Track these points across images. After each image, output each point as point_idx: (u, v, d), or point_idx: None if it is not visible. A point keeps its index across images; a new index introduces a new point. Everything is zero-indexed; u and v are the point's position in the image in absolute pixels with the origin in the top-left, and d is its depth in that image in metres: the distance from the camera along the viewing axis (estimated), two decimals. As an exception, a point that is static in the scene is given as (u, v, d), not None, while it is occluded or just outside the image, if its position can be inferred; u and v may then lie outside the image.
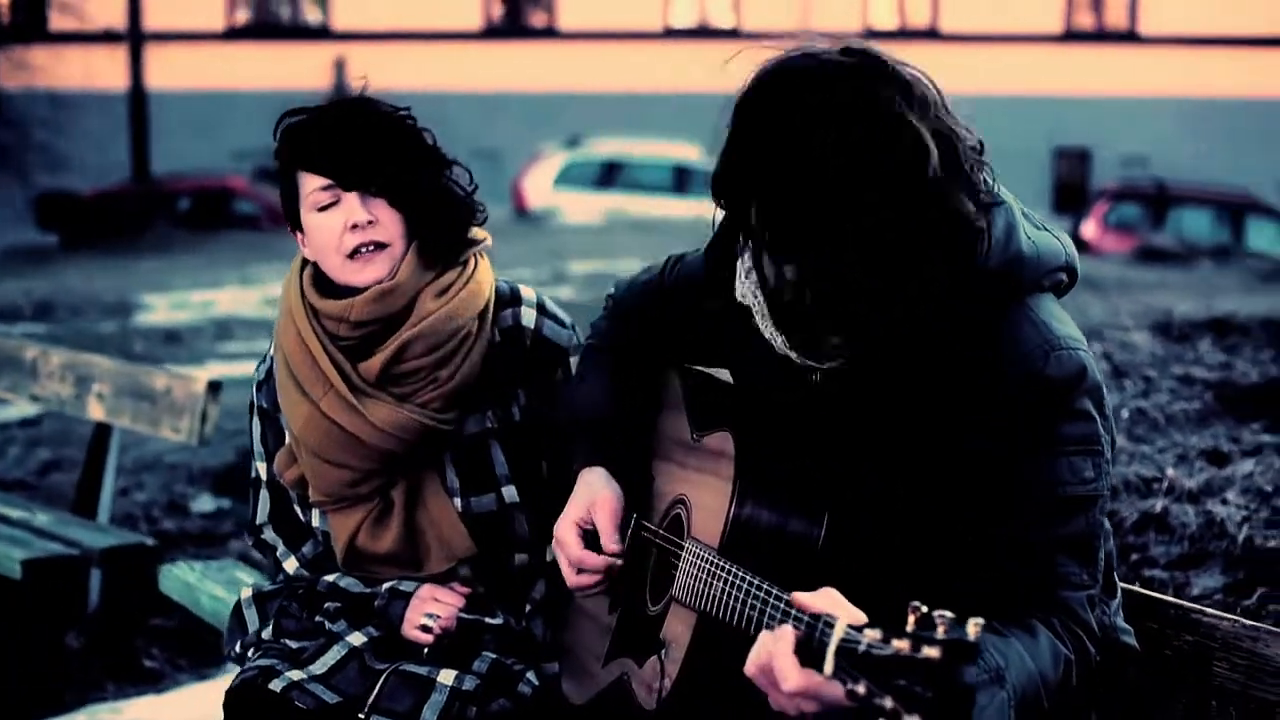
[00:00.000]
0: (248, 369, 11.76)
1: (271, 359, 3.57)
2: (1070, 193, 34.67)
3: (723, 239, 2.86)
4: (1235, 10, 35.10)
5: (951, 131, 2.56)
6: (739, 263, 2.81)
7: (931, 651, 2.05)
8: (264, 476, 3.62)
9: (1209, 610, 3.04)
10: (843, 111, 2.49)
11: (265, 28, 38.20)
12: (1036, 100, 34.69)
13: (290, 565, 3.61)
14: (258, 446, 3.62)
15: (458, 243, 3.46)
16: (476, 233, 3.51)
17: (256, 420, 3.61)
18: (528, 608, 3.50)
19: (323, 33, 37.71)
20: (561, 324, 3.55)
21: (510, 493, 3.47)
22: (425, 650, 3.39)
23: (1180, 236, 25.28)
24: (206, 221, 29.83)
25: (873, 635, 2.14)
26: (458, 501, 3.45)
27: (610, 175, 30.87)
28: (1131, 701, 2.95)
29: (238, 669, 3.45)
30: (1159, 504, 5.37)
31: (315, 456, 3.42)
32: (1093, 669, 2.65)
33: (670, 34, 37.51)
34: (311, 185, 3.37)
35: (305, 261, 3.50)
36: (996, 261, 2.66)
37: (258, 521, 3.66)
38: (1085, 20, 37.23)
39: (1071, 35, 37.00)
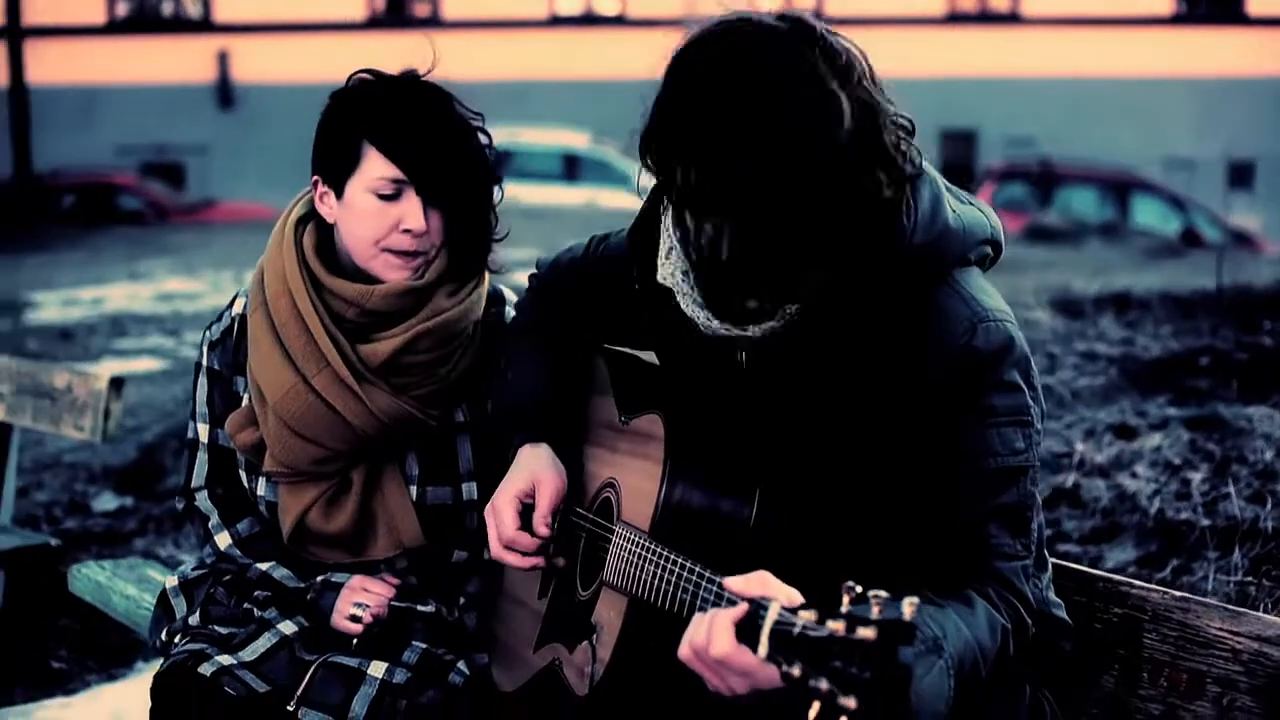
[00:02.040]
0: (144, 365, 11.75)
1: (234, 318, 3.51)
2: (957, 174, 34.66)
3: (645, 221, 2.86)
4: (1117, -10, 35.50)
5: (875, 103, 2.55)
6: (661, 244, 2.79)
7: (867, 632, 2.04)
8: (204, 439, 3.56)
9: (1137, 583, 3.07)
10: (764, 72, 2.49)
11: (147, 21, 37.71)
12: (921, 83, 34.69)
13: (223, 541, 3.55)
14: (201, 408, 3.55)
15: (480, 263, 3.46)
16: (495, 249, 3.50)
17: (204, 380, 3.55)
18: (461, 600, 3.47)
19: (205, 25, 37.28)
20: None
21: (470, 489, 3.46)
22: (354, 640, 3.35)
23: (1068, 215, 25.52)
24: (91, 217, 29.45)
25: (807, 616, 2.13)
26: (414, 490, 3.42)
27: (499, 163, 30.77)
28: (1064, 674, 2.96)
29: (162, 659, 3.39)
30: (1070, 479, 5.42)
31: (286, 428, 3.36)
32: (1029, 638, 2.66)
33: (556, 21, 37.42)
34: (380, 168, 3.28)
35: (302, 220, 3.43)
36: (922, 235, 2.66)
37: (192, 485, 3.60)
38: (968, 2, 37.47)
39: (955, 17, 37.23)
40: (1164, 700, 2.95)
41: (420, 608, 3.41)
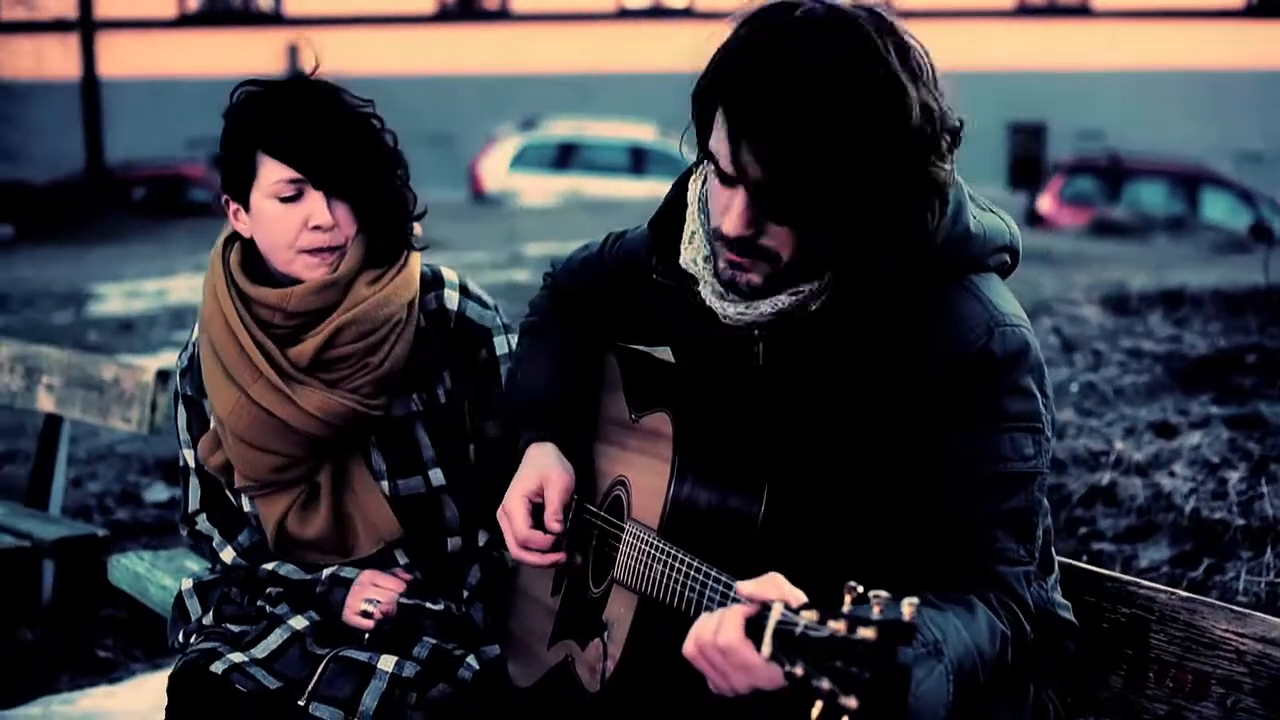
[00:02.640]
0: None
1: (195, 345, 3.57)
2: (1026, 167, 34.73)
3: (668, 210, 2.90)
4: (1187, -17, 35.26)
5: (936, 104, 2.57)
6: (685, 230, 2.82)
7: (867, 632, 2.06)
8: (192, 464, 3.63)
9: (1145, 583, 3.07)
10: (831, 35, 2.50)
11: (217, 14, 38.02)
12: (991, 75, 34.72)
13: (228, 555, 3.62)
14: (184, 434, 3.62)
15: (399, 245, 3.48)
16: (415, 227, 3.51)
17: (182, 408, 3.61)
18: (465, 593, 3.51)
19: (275, 18, 37.55)
20: (484, 305, 3.57)
21: (437, 475, 3.49)
22: (366, 636, 3.39)
23: (1136, 209, 25.36)
24: (161, 209, 29.71)
25: (809, 616, 2.15)
26: (385, 484, 3.46)
27: (566, 157, 30.85)
28: (1071, 674, 2.98)
29: (181, 653, 3.45)
30: (1107, 477, 5.41)
31: (241, 442, 3.42)
32: (1027, 644, 2.67)
33: (624, 14, 37.47)
34: (276, 174, 3.33)
35: (229, 241, 3.48)
36: (943, 237, 2.68)
37: (190, 510, 3.67)
38: (1039, -5, 37.33)
39: (1025, 10, 37.08)
40: (1169, 701, 2.95)
41: (429, 605, 3.45)
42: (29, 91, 30.98)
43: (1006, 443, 2.65)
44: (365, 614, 3.40)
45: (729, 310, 2.72)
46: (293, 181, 3.32)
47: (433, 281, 3.55)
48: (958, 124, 2.64)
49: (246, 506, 3.56)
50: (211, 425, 3.51)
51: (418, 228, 3.51)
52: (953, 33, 34.67)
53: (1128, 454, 5.53)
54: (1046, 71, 35.35)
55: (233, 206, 3.44)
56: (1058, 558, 2.98)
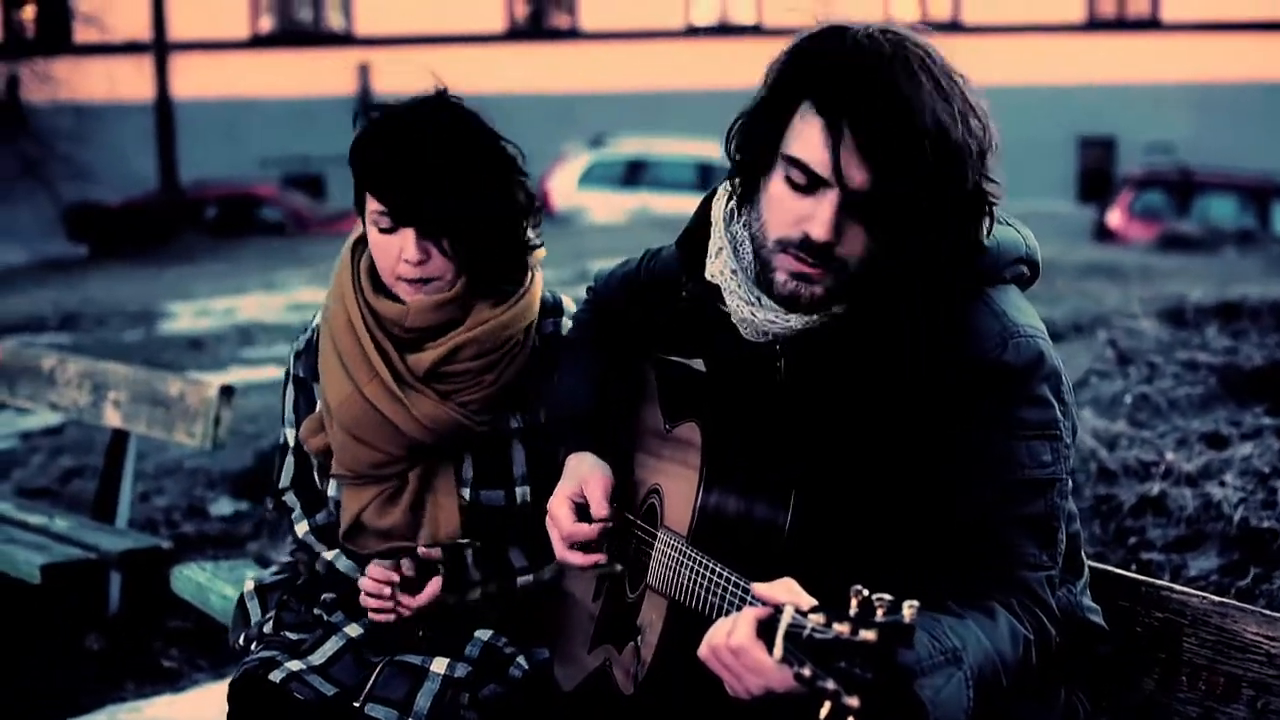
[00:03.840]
0: (268, 374, 11.95)
1: (314, 330, 3.66)
2: (1095, 181, 34.60)
3: (696, 227, 2.97)
4: (1257, -6, 35.03)
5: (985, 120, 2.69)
6: (710, 245, 2.89)
7: (869, 635, 2.12)
8: (291, 443, 3.72)
9: (1178, 588, 3.11)
10: (907, 50, 2.64)
11: (289, 35, 38.33)
12: (1060, 90, 34.64)
13: (301, 529, 3.70)
14: (289, 414, 3.71)
15: (510, 275, 3.53)
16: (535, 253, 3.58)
17: (291, 388, 3.70)
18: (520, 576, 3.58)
19: (346, 38, 37.82)
20: None
21: (523, 492, 3.55)
22: (420, 634, 3.47)
23: (1206, 223, 25.21)
24: (233, 229, 29.99)
25: (817, 619, 2.21)
26: (466, 492, 3.54)
27: (634, 174, 30.94)
28: (1103, 676, 3.02)
29: (237, 663, 3.53)
30: (1156, 487, 5.43)
31: (346, 433, 3.51)
32: (1052, 648, 2.71)
33: (692, 32, 37.55)
34: (374, 204, 3.40)
35: (360, 241, 3.57)
36: (957, 251, 2.74)
37: (281, 485, 3.76)
38: (1108, 8, 37.16)
39: (1094, 24, 36.94)
40: (1201, 704, 2.99)
41: (462, 540, 3.52)
42: (103, 113, 31.33)
43: (1024, 451, 2.69)
44: (375, 610, 3.47)
45: (758, 317, 2.78)
46: (384, 213, 3.38)
47: (553, 308, 3.63)
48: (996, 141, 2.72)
49: (330, 491, 3.64)
50: (318, 408, 3.60)
51: (539, 253, 3.58)
52: (1022, 47, 34.66)
53: (1178, 464, 5.55)
54: (1116, 85, 35.21)
55: (360, 220, 3.52)
56: (1089, 563, 3.02)
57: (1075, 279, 14.28)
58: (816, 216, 2.65)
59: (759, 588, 2.43)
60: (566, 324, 3.60)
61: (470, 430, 3.48)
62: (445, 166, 3.36)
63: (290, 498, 3.74)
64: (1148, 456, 5.70)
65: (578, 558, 3.08)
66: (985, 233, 2.74)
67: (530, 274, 3.57)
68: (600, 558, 3.08)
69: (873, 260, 2.70)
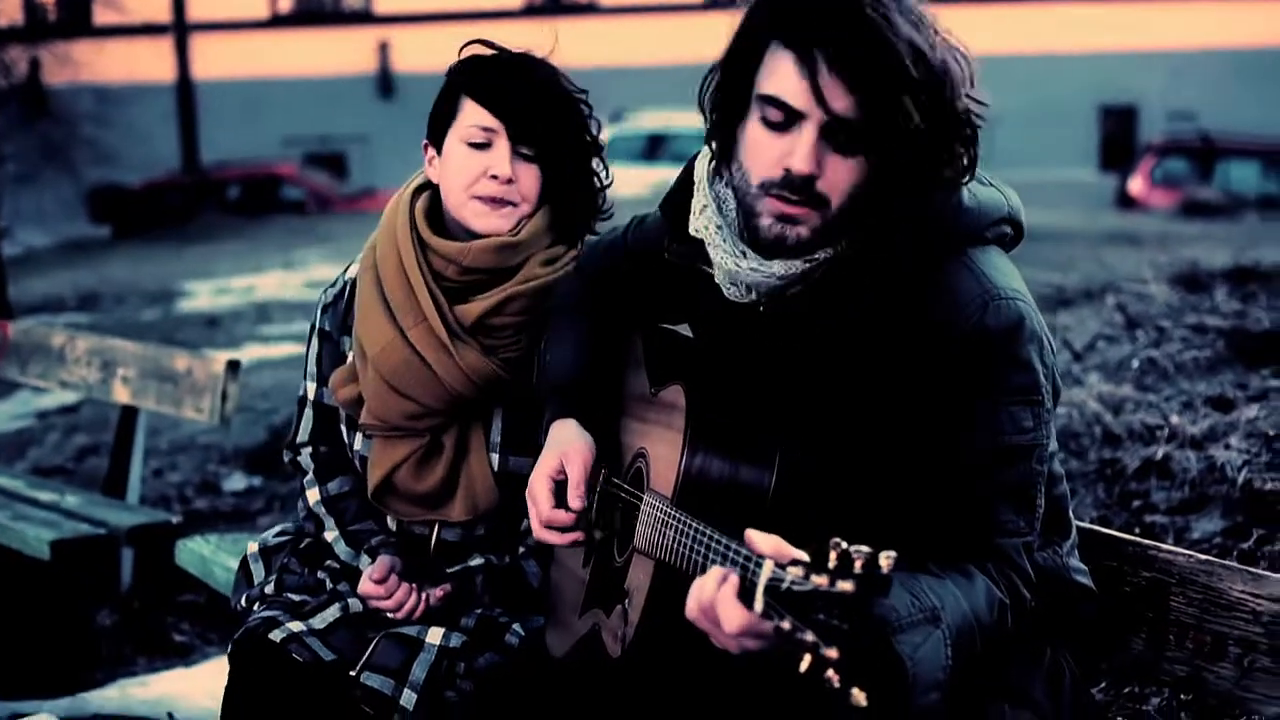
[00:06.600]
0: (284, 350, 11.98)
1: (347, 282, 3.69)
2: (1117, 149, 34.49)
3: (678, 189, 2.97)
4: (1279, -41, 34.84)
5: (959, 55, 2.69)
6: (694, 204, 2.90)
7: (846, 585, 2.13)
8: (311, 397, 3.74)
9: (1164, 546, 3.12)
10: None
11: (308, 14, 38.34)
12: (1081, 58, 34.51)
13: (312, 496, 3.72)
14: (311, 367, 3.73)
15: (584, 225, 3.60)
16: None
17: (315, 341, 3.73)
18: (521, 549, 3.59)
19: (365, 17, 37.83)
20: None
21: None
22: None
23: (1228, 189, 25.13)
24: (255, 208, 30.00)
25: (795, 572, 2.21)
26: (495, 457, 3.55)
27: (655, 148, 30.85)
28: (1091, 637, 3.02)
29: (240, 624, 3.55)
30: (1161, 450, 5.41)
31: (383, 382, 3.52)
32: (1028, 611, 2.72)
33: (712, 5, 37.45)
34: (473, 117, 3.47)
35: (419, 189, 3.61)
36: (937, 209, 2.73)
37: (298, 440, 3.78)
38: (1128, -25, 37.01)
39: (1115, -9, 36.79)
40: (1190, 662, 3.00)
41: (473, 562, 3.55)
42: (123, 95, 31.31)
43: (1005, 416, 2.69)
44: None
45: (741, 267, 2.78)
46: (485, 129, 3.45)
47: None
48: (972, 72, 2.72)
49: (357, 445, 3.65)
50: (350, 359, 3.62)
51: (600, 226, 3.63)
52: (1044, 15, 34.50)
53: (1183, 428, 5.53)
54: (1137, 52, 35.06)
55: (429, 153, 3.57)
56: (1077, 523, 3.02)
57: (1095, 246, 14.23)
58: (796, 151, 2.65)
59: (752, 533, 2.41)
60: None
61: (506, 386, 3.51)
62: (545, 83, 3.50)
63: (305, 459, 3.75)
64: (1153, 420, 5.69)
65: (554, 537, 3.08)
66: (973, 162, 2.73)
67: (580, 243, 3.61)
68: (578, 536, 3.08)
69: (857, 197, 2.69)
